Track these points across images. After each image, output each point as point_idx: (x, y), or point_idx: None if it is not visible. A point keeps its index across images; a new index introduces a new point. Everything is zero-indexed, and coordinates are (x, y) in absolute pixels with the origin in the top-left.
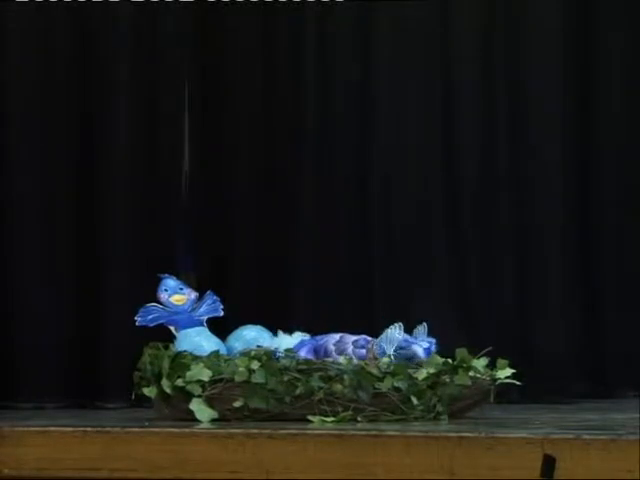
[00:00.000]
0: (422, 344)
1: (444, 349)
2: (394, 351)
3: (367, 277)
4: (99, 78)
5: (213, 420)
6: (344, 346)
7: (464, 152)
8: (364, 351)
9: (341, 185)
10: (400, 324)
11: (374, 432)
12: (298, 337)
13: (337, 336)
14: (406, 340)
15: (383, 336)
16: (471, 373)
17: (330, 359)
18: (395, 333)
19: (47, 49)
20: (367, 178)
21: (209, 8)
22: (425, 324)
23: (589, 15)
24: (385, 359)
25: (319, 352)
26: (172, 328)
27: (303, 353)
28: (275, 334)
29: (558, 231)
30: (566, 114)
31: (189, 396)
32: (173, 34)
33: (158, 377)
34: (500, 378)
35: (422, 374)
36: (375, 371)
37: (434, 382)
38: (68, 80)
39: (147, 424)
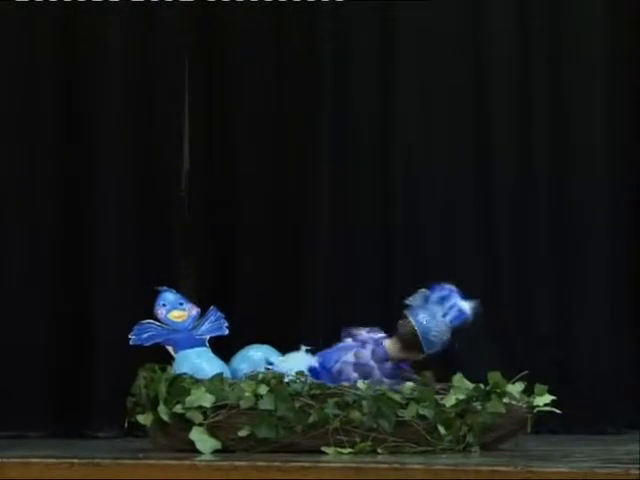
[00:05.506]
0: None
1: (474, 373)
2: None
3: (386, 289)
4: (98, 77)
5: (216, 451)
6: (366, 368)
7: (498, 157)
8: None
9: (360, 187)
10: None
11: (396, 465)
12: (305, 357)
13: (351, 356)
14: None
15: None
16: (505, 400)
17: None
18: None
19: (45, 47)
20: (388, 182)
21: (210, 5)
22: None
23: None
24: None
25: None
26: (170, 348)
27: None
28: (284, 354)
29: (603, 241)
30: (612, 115)
31: (189, 424)
32: (173, 31)
33: (154, 403)
34: (538, 405)
35: (450, 400)
36: (397, 397)
37: (464, 409)
38: (66, 79)
39: (141, 455)
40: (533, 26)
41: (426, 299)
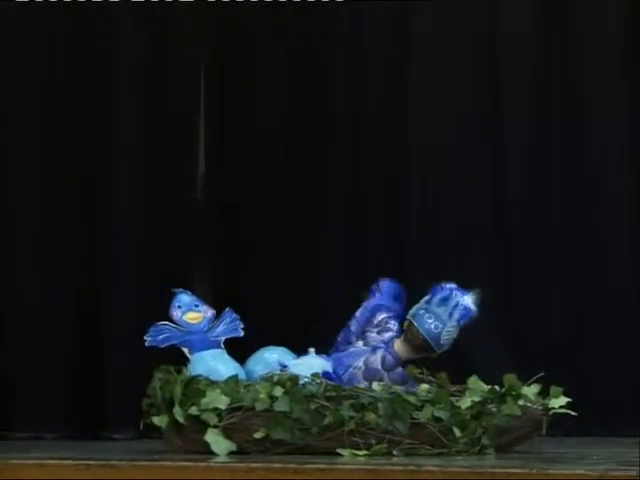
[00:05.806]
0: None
1: (489, 376)
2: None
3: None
4: (112, 80)
5: (231, 453)
6: (376, 375)
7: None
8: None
9: (371, 193)
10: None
11: (411, 467)
12: (319, 361)
13: (361, 363)
14: (444, 298)
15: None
16: (521, 402)
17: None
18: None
19: (60, 49)
20: (402, 187)
21: (224, 6)
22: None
23: None
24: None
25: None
26: (186, 350)
27: None
28: (299, 356)
29: (619, 244)
30: (629, 115)
31: (204, 426)
32: (188, 32)
33: (169, 404)
34: (554, 407)
35: (466, 402)
36: (413, 399)
37: (479, 411)
38: (78, 81)
39: (157, 457)
40: (548, 26)
41: (428, 302)
